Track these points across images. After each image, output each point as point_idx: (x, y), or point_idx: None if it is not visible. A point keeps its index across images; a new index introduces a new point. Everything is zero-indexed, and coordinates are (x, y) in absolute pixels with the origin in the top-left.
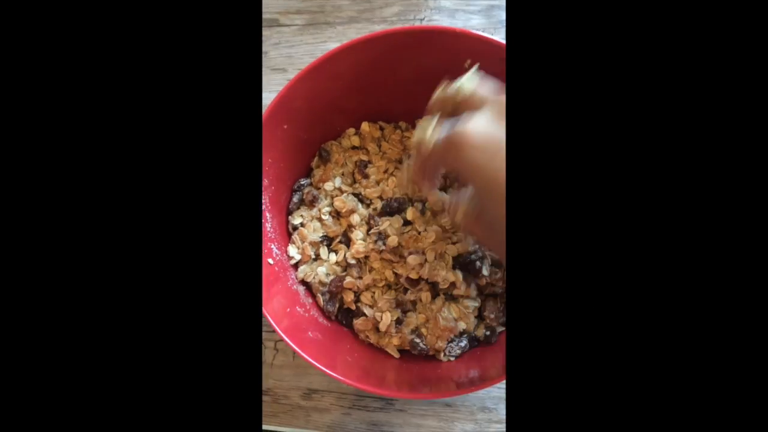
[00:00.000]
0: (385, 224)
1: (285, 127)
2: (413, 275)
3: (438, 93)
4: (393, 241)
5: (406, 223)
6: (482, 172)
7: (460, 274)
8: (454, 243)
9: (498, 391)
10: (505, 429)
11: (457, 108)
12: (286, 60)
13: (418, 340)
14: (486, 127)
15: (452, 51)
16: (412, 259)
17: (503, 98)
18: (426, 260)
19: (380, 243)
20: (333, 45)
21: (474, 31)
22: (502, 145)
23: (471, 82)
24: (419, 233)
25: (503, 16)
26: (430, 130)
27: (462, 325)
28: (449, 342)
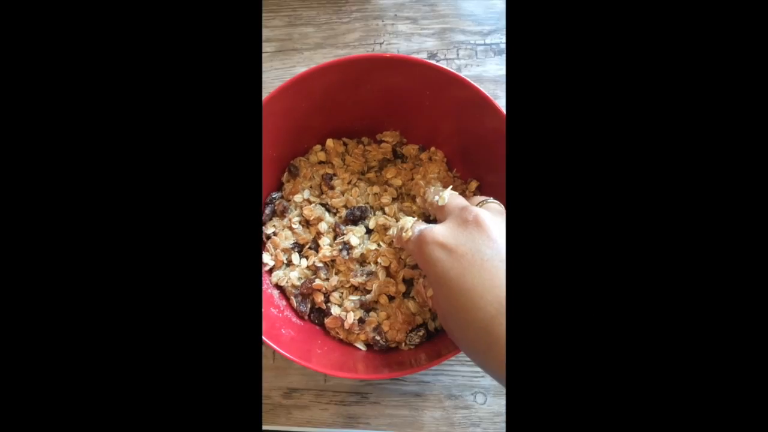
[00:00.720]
0: (349, 234)
1: None
2: (368, 286)
3: (427, 196)
4: (356, 253)
5: (369, 231)
6: (436, 265)
7: (411, 303)
8: (405, 266)
9: (462, 379)
10: (469, 414)
11: (433, 212)
12: None
13: (378, 338)
14: (445, 233)
15: (408, 75)
16: (354, 281)
17: (465, 214)
18: (378, 277)
19: (344, 252)
20: (301, 69)
21: (426, 60)
22: (455, 248)
23: (446, 196)
24: (378, 246)
25: (455, 37)
26: (411, 224)
27: (419, 319)
28: (409, 333)
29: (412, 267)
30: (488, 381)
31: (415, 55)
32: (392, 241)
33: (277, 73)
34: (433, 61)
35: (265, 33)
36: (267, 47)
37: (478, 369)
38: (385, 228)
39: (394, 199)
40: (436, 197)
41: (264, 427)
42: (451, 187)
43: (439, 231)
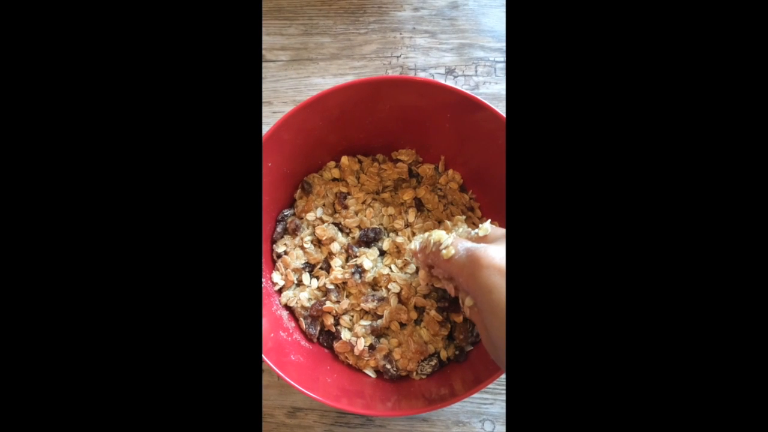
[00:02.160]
0: (362, 257)
1: (270, 164)
2: (379, 312)
3: (459, 231)
4: (368, 277)
5: (383, 252)
6: (493, 291)
7: (423, 332)
8: (416, 294)
9: (471, 405)
10: None
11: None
12: (271, 93)
13: (389, 366)
14: (503, 256)
15: (422, 95)
16: (365, 306)
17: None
18: (390, 303)
19: (357, 276)
20: (315, 79)
21: (439, 81)
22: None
23: (488, 227)
24: (391, 270)
25: (474, 53)
26: (451, 239)
27: (432, 348)
28: (420, 362)
29: (424, 296)
30: (497, 408)
31: (432, 70)
32: (406, 262)
33: (291, 83)
34: (450, 78)
35: (280, 41)
36: (281, 56)
37: (487, 395)
38: (399, 251)
39: (407, 226)
40: (475, 231)
41: None
42: (489, 220)
43: (497, 254)
